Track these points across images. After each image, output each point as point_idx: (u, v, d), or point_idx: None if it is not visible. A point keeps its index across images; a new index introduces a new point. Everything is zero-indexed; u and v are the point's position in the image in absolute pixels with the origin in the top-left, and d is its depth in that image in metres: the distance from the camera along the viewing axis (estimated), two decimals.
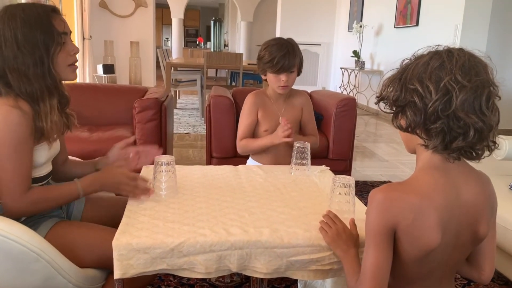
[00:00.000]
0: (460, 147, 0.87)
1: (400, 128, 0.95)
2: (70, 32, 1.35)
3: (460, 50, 0.89)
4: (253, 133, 2.02)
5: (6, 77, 1.21)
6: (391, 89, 0.95)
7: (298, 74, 1.95)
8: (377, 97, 1.00)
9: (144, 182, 1.37)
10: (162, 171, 1.36)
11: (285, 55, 1.84)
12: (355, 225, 1.16)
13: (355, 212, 1.26)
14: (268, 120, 1.98)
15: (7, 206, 1.21)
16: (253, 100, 1.99)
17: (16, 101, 1.20)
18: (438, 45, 0.93)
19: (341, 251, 1.09)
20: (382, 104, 1.01)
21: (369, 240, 0.93)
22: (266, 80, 1.96)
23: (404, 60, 0.96)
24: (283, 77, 1.87)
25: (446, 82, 0.84)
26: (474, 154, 0.90)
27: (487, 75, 0.87)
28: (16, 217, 1.24)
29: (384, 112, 1.04)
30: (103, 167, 1.50)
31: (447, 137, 0.87)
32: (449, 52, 0.88)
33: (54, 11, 1.28)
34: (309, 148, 1.67)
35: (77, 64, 1.36)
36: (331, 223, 1.15)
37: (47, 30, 1.24)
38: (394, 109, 0.95)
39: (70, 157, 1.59)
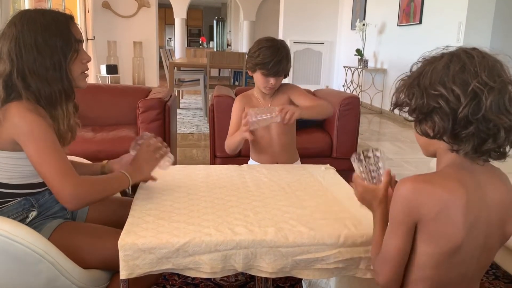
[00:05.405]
0: (491, 149, 0.87)
1: (426, 135, 0.92)
2: (83, 41, 1.37)
3: (476, 50, 0.88)
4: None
5: (26, 79, 1.22)
6: (409, 95, 0.92)
7: (285, 77, 1.95)
8: (392, 103, 0.98)
9: (162, 146, 1.45)
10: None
11: (280, 61, 1.83)
12: (388, 179, 1.09)
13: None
14: None
15: (70, 194, 1.19)
16: (239, 102, 2.00)
17: (35, 106, 1.22)
18: (447, 46, 0.91)
19: (371, 210, 1.10)
20: (400, 111, 0.98)
21: (392, 227, 0.94)
22: (252, 76, 1.95)
23: (414, 64, 0.94)
24: (272, 80, 1.87)
25: (474, 86, 0.83)
26: (501, 153, 0.89)
27: (505, 73, 0.87)
28: (83, 204, 1.26)
29: (408, 121, 0.98)
30: (111, 170, 1.52)
31: (477, 140, 0.86)
32: (467, 53, 0.87)
33: (71, 18, 1.31)
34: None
35: (87, 72, 1.38)
36: (354, 190, 1.16)
37: (66, 36, 1.26)
38: (416, 116, 0.93)
39: (70, 157, 1.60)
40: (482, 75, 0.83)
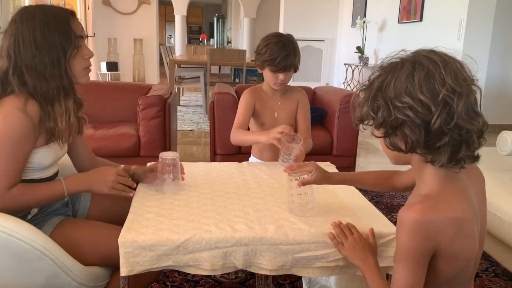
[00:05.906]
0: (465, 156, 0.84)
1: (398, 150, 0.89)
2: (86, 36, 1.35)
3: (435, 53, 0.84)
4: (249, 126, 2.02)
5: (23, 76, 1.22)
6: (373, 108, 0.88)
7: (295, 71, 1.94)
8: (355, 118, 0.93)
9: (132, 182, 1.36)
10: (169, 167, 1.38)
11: (287, 56, 1.82)
12: (374, 234, 1.15)
13: (316, 200, 1.27)
14: (264, 114, 1.98)
15: None
16: (249, 94, 1.99)
17: (25, 101, 1.20)
18: (403, 49, 0.87)
19: (360, 261, 1.07)
20: (363, 126, 0.94)
21: (402, 261, 0.88)
22: (262, 73, 1.95)
23: (372, 74, 0.90)
24: (281, 76, 1.87)
25: (443, 95, 0.80)
26: (475, 157, 0.87)
27: (468, 74, 0.84)
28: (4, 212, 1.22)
29: (375, 136, 0.92)
30: (143, 176, 1.47)
31: (451, 149, 0.83)
32: (429, 59, 0.83)
33: (72, 14, 1.30)
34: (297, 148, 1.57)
35: (90, 67, 1.36)
36: (348, 233, 1.13)
37: (66, 32, 1.25)
38: (384, 130, 0.89)
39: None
40: (449, 82, 0.80)
